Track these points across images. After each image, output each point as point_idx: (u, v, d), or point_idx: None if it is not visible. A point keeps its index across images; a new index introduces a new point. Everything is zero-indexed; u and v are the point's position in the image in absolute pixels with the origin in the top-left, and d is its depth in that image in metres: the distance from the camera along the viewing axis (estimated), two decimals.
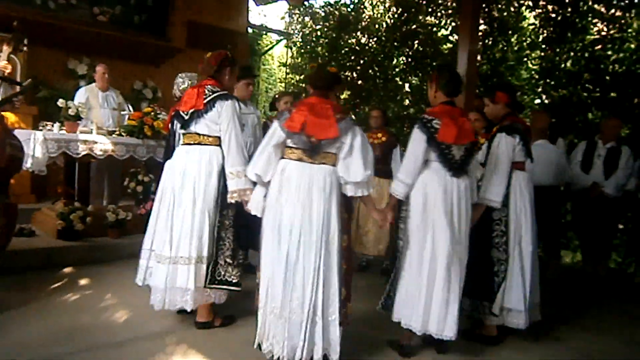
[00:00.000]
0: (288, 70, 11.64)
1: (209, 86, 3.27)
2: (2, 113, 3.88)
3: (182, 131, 3.35)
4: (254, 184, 3.03)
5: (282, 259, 2.74)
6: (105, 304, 3.72)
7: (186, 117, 3.26)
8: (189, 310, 3.28)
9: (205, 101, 3.20)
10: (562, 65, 7.62)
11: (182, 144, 3.37)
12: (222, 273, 3.25)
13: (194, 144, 3.28)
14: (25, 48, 5.94)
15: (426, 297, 2.98)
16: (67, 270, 4.48)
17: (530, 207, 3.45)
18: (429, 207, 3.02)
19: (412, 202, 3.09)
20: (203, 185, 3.19)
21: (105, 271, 4.51)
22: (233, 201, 3.19)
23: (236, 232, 3.29)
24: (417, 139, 3.06)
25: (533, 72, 8.26)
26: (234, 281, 3.26)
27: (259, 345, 2.83)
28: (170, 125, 3.62)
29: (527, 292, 3.36)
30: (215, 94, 3.22)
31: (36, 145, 4.54)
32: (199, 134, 3.27)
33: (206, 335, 3.28)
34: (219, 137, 3.24)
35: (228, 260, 3.27)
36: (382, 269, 5.11)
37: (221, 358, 3.01)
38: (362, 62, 9.94)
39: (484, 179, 3.42)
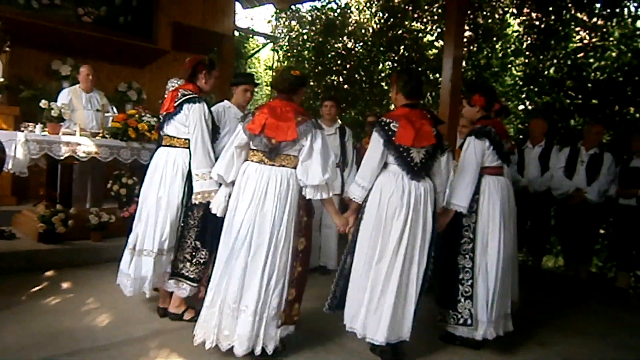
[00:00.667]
0: (274, 74, 11.63)
1: (182, 90, 3.38)
2: None
3: (161, 132, 3.48)
4: (220, 186, 3.12)
5: (236, 257, 2.82)
6: (87, 308, 3.67)
7: (162, 120, 3.42)
8: (147, 295, 3.48)
9: (175, 104, 3.31)
10: (545, 72, 7.73)
11: (160, 145, 3.48)
12: (180, 267, 3.38)
13: (166, 145, 3.40)
14: (8, 48, 5.85)
15: (369, 300, 2.98)
16: (48, 273, 4.41)
17: (502, 213, 3.30)
18: (382, 209, 3.00)
19: (368, 203, 3.08)
20: (168, 186, 3.31)
21: (88, 274, 4.45)
22: (197, 202, 3.28)
23: (200, 232, 3.37)
24: (375, 142, 3.05)
25: (517, 79, 8.34)
26: (190, 276, 3.38)
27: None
28: None
29: (491, 303, 3.23)
30: (184, 97, 3.31)
31: (18, 146, 4.46)
32: (169, 136, 3.39)
33: (188, 338, 3.23)
34: (189, 140, 3.32)
35: (187, 256, 3.38)
36: None
37: None
38: (348, 66, 9.99)
39: (452, 183, 3.40)
